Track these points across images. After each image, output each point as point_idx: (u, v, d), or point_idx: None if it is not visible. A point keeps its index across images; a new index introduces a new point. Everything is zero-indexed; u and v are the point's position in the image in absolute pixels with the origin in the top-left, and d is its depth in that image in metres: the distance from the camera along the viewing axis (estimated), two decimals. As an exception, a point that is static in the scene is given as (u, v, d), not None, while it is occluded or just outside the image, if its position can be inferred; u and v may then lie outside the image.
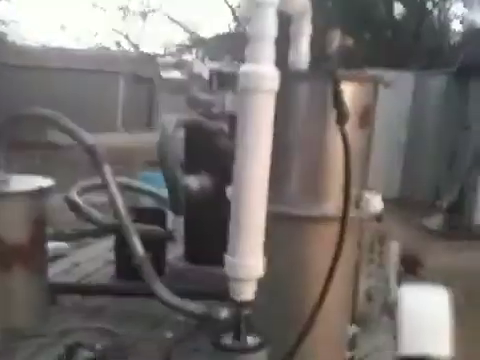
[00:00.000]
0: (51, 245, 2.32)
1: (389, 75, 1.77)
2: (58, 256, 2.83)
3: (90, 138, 1.89)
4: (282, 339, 1.39)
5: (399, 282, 2.85)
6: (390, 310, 2.36)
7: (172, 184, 1.96)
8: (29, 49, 19.54)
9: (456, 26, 17.99)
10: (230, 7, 18.84)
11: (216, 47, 18.63)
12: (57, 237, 2.42)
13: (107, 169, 1.89)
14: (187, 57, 22.44)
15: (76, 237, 2.54)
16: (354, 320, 1.84)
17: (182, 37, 23.29)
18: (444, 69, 9.56)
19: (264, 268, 1.27)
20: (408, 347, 2.09)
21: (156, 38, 39.17)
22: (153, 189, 2.51)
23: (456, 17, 15.86)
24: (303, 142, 1.52)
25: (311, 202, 1.54)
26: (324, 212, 1.53)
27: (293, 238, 1.54)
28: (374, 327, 2.18)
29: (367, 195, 1.62)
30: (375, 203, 1.62)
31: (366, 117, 1.56)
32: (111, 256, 2.86)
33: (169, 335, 1.97)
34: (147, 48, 24.20)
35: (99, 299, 2.28)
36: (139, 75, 22.38)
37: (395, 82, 1.75)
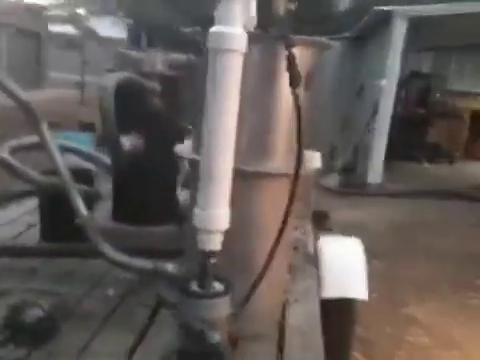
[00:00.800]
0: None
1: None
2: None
3: (25, 95, 1.82)
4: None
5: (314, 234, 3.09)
6: (311, 258, 2.58)
7: (114, 145, 1.95)
8: None
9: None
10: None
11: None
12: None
13: (44, 127, 1.83)
14: (79, 11, 21.17)
15: (1, 199, 2.43)
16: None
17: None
18: (341, 35, 10.03)
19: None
20: (331, 291, 2.32)
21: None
22: (83, 148, 2.46)
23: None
24: (254, 102, 1.60)
25: (260, 159, 1.64)
26: (271, 169, 1.64)
27: (243, 193, 1.64)
28: (300, 274, 2.37)
29: (308, 153, 1.75)
30: (315, 161, 1.76)
31: (310, 80, 1.67)
32: (29, 219, 2.78)
33: (111, 292, 2.01)
34: (31, -1, 22.42)
35: (30, 261, 2.23)
36: (24, 28, 20.81)
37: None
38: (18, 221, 2.81)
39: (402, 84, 9.66)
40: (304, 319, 2.03)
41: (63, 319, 1.74)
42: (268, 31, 1.59)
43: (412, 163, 10.34)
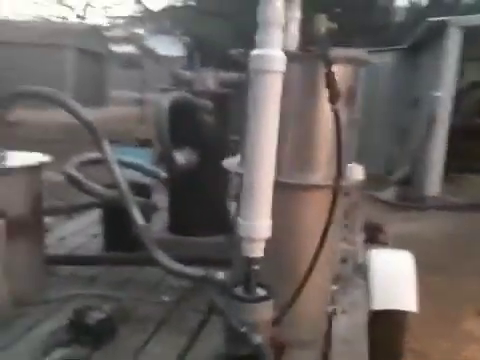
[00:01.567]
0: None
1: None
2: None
3: (89, 115, 1.99)
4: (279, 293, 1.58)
5: (365, 247, 3.11)
6: (361, 271, 2.61)
7: (169, 160, 2.07)
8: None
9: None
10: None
11: (165, 20, 18.38)
12: (51, 211, 2.50)
13: (106, 144, 1.99)
14: (138, 31, 22.01)
15: (69, 211, 2.62)
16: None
17: (129, 9, 22.74)
18: (395, 46, 9.91)
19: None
20: (380, 303, 2.33)
21: (101, 9, 37.82)
22: (141, 163, 2.61)
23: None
24: (296, 118, 1.69)
25: (302, 172, 1.72)
26: (314, 181, 1.72)
27: (286, 205, 1.72)
28: (348, 286, 2.41)
29: (350, 166, 1.81)
30: (358, 173, 1.82)
31: (351, 95, 1.74)
32: (94, 230, 2.97)
33: (166, 298, 2.14)
34: (93, 20, 23.48)
35: (92, 269, 2.40)
36: (87, 49, 21.78)
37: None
38: (84, 231, 3.02)
39: (461, 94, 9.41)
40: (350, 329, 2.06)
41: (122, 322, 1.89)
42: (309, 50, 1.68)
43: (472, 175, 9.99)
